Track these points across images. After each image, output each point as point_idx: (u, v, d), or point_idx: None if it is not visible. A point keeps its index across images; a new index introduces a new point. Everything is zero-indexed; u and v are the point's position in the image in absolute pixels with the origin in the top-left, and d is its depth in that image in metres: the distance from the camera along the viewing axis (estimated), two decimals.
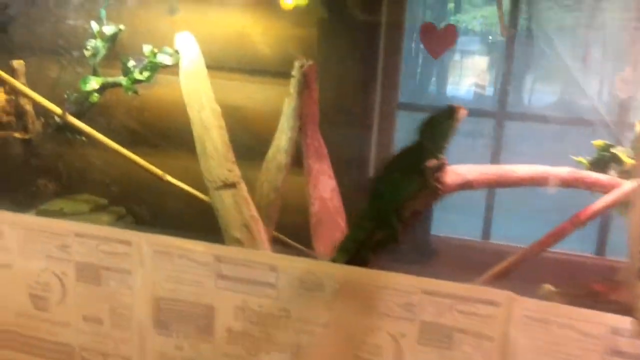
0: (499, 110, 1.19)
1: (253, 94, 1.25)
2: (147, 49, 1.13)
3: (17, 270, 0.76)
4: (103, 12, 1.17)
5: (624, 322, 0.55)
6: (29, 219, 0.75)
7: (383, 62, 1.21)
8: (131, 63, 1.14)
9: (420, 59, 1.23)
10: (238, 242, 0.97)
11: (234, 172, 1.02)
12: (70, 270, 0.74)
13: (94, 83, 1.16)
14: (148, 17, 1.25)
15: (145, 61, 1.14)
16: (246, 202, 1.00)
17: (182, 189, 1.17)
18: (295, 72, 1.07)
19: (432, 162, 0.61)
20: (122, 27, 1.15)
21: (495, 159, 1.20)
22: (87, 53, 1.15)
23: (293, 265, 0.65)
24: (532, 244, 0.77)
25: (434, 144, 0.61)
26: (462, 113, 0.61)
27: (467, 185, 0.71)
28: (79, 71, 1.22)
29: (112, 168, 1.23)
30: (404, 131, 1.18)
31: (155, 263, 0.71)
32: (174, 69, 1.11)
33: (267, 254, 0.67)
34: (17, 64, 1.19)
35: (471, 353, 0.61)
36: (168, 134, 1.23)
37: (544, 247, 0.77)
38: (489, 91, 1.19)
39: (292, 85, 1.07)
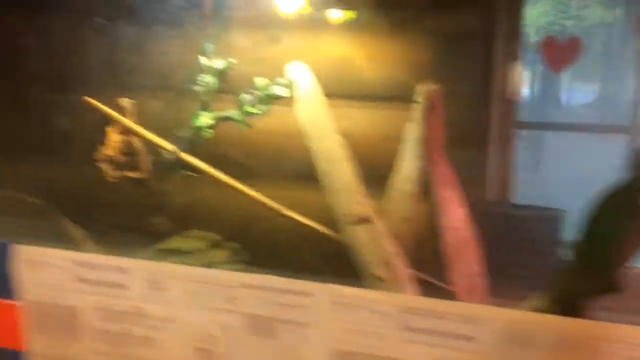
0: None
1: (362, 121, 1.21)
2: (261, 81, 1.10)
3: (181, 325, 0.73)
4: (209, 46, 1.15)
5: None
6: (193, 271, 0.72)
7: (500, 78, 1.16)
8: (247, 97, 1.11)
9: (538, 72, 1.17)
10: (380, 281, 0.93)
11: (367, 207, 0.98)
12: (238, 322, 0.71)
13: (206, 119, 1.14)
14: (252, 48, 1.23)
15: (258, 93, 1.11)
16: (384, 238, 0.96)
17: (299, 224, 1.13)
18: (419, 97, 1.03)
19: None
20: (233, 60, 1.13)
21: None
22: (198, 88, 1.13)
23: (498, 316, 0.60)
24: None
25: None
26: None
27: None
28: (188, 107, 1.20)
29: (225, 204, 1.20)
30: (525, 151, 1.13)
31: (334, 315, 0.67)
32: (285, 100, 1.09)
33: (471, 306, 0.62)
34: (126, 102, 1.18)
35: None
36: (283, 167, 1.20)
37: None
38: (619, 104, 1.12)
39: (419, 110, 1.03)
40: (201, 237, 1.21)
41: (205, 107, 1.15)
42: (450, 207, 1.04)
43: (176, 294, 0.73)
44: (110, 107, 1.16)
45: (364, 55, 1.20)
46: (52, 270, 0.78)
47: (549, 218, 1.18)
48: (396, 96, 1.13)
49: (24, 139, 1.32)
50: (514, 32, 1.09)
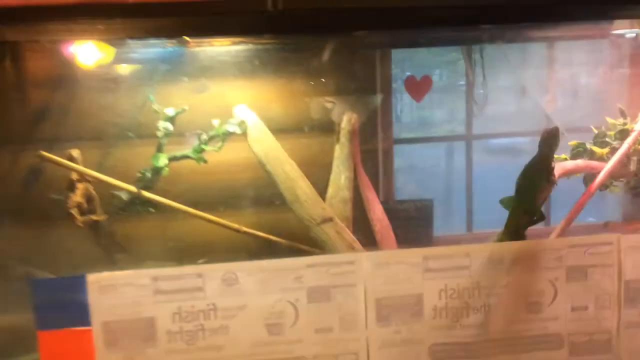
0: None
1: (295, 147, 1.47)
2: (216, 122, 1.32)
3: (252, 308, 0.95)
4: (151, 97, 1.34)
5: None
6: (262, 264, 0.94)
7: (381, 107, 1.54)
8: (204, 137, 1.32)
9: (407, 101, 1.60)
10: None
11: (327, 209, 1.28)
12: (302, 295, 0.95)
13: (164, 159, 1.32)
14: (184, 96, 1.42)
15: (213, 133, 1.32)
16: (344, 229, 1.26)
17: (258, 238, 1.36)
18: (344, 124, 1.36)
19: (553, 164, 0.98)
20: (186, 107, 1.32)
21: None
22: (159, 133, 1.30)
23: (483, 250, 0.96)
24: (569, 214, 1.18)
25: (551, 152, 0.98)
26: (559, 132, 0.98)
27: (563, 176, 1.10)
28: (139, 150, 1.35)
29: (183, 234, 1.37)
30: (400, 160, 1.53)
31: (374, 273, 0.96)
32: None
33: (465, 246, 0.96)
34: (75, 152, 1.30)
35: (598, 279, 0.98)
36: (238, 193, 1.41)
37: (575, 215, 1.18)
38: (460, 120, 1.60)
39: (343, 135, 1.36)
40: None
41: (159, 149, 1.32)
42: (374, 205, 1.39)
43: (248, 285, 0.94)
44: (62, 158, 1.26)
45: (279, 95, 1.47)
46: (128, 290, 0.92)
47: (422, 207, 1.60)
48: (317, 126, 1.44)
49: None
50: (386, 76, 1.49)
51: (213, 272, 0.94)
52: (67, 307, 0.91)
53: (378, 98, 1.57)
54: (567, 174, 1.20)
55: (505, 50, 1.50)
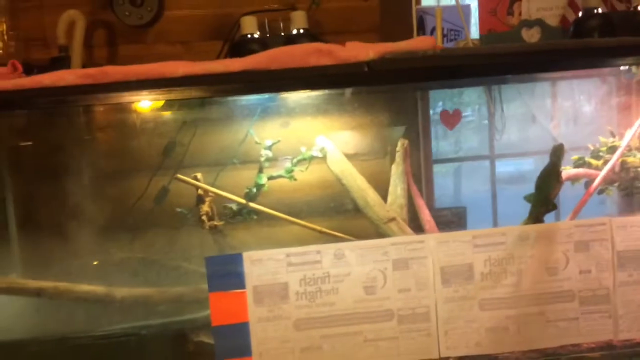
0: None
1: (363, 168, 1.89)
2: (303, 149, 1.75)
3: (354, 275, 1.36)
4: (252, 132, 1.77)
5: None
6: (362, 243, 1.36)
7: (422, 134, 1.97)
8: (294, 160, 1.74)
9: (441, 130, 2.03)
10: None
11: (391, 211, 1.69)
12: (389, 265, 1.36)
13: (265, 178, 1.74)
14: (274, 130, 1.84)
15: (301, 157, 1.75)
16: (404, 226, 1.68)
17: (335, 237, 1.77)
18: (399, 148, 1.79)
19: (561, 170, 1.40)
20: (279, 139, 1.75)
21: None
22: (261, 158, 1.73)
23: (514, 231, 1.37)
24: (575, 208, 1.59)
25: (559, 161, 1.40)
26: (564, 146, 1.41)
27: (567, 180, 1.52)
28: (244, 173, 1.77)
29: (279, 236, 1.78)
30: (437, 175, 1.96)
31: (438, 249, 1.37)
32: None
33: (502, 228, 1.37)
34: (199, 175, 1.73)
35: (598, 250, 1.38)
36: (319, 204, 1.83)
37: (579, 209, 1.59)
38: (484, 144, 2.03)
39: (399, 156, 1.78)
40: None
41: (262, 170, 1.75)
42: (423, 209, 1.81)
43: (352, 258, 1.35)
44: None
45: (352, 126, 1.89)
46: (269, 263, 1.33)
47: (458, 212, 2.01)
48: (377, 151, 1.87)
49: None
50: (425, 111, 1.93)
51: (328, 250, 1.35)
52: (229, 276, 1.33)
53: (421, 127, 2.00)
54: (572, 179, 1.61)
55: (519, 88, 1.93)
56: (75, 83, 1.19)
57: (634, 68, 1.79)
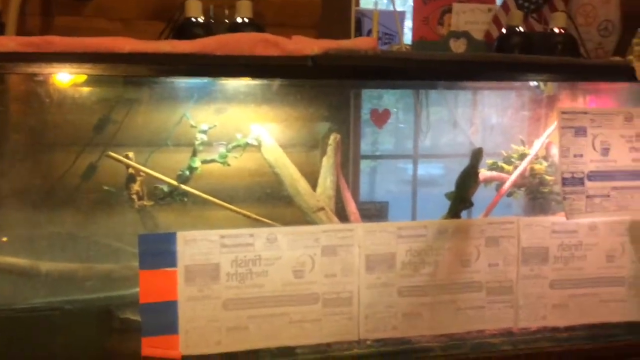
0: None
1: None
2: (239, 135, 1.79)
3: (285, 259, 1.42)
4: (188, 115, 1.80)
5: None
6: (294, 229, 1.42)
7: (352, 130, 2.07)
8: (228, 146, 1.78)
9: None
10: None
11: (321, 201, 1.77)
12: (318, 251, 1.43)
13: (198, 161, 1.77)
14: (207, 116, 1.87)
15: (234, 143, 1.79)
16: (332, 216, 1.76)
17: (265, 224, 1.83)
18: (331, 141, 1.87)
19: (480, 172, 1.53)
20: (216, 124, 1.78)
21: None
22: (196, 142, 1.75)
23: (434, 224, 1.48)
24: (487, 208, 1.73)
25: (477, 163, 1.53)
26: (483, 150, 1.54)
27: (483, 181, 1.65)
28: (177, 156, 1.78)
29: (208, 220, 1.81)
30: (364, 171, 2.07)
31: (365, 238, 1.46)
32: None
33: (424, 222, 1.48)
34: (130, 154, 1.73)
35: (505, 246, 1.52)
36: (251, 190, 1.87)
37: (491, 209, 1.74)
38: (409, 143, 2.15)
39: (330, 149, 1.87)
40: None
41: (195, 154, 1.77)
42: (349, 202, 1.90)
43: (283, 243, 1.41)
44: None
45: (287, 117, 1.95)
46: (203, 243, 1.37)
47: (381, 207, 2.12)
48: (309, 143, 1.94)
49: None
50: (358, 109, 2.02)
51: (261, 233, 1.41)
52: (161, 254, 1.35)
53: (352, 124, 2.09)
54: (486, 181, 1.76)
55: (444, 94, 2.07)
56: (17, 50, 1.17)
57: (541, 85, 1.97)
